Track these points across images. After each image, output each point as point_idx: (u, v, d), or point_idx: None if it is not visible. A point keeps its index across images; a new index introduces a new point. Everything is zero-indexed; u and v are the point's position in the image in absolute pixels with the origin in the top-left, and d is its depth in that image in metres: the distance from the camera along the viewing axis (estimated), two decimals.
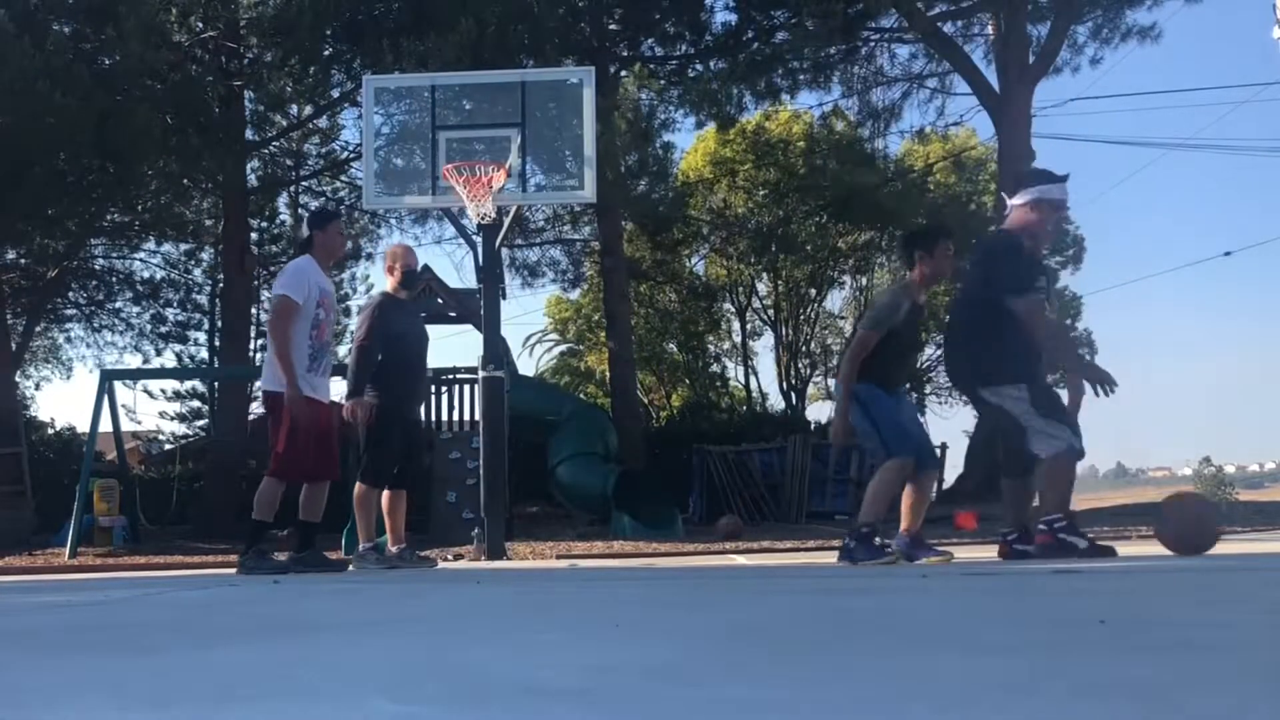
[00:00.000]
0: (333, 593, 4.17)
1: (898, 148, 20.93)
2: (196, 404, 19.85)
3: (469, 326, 13.80)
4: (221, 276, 16.72)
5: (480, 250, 8.62)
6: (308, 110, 15.88)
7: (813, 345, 22.11)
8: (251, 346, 18.05)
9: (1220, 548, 5.67)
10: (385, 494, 6.13)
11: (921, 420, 5.85)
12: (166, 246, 18.68)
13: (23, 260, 16.25)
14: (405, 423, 6.07)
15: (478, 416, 9.55)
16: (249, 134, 15.26)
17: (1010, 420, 4.97)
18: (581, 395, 21.27)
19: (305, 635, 2.55)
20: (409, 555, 6.25)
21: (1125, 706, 1.38)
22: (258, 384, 18.99)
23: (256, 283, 17.96)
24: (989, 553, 6.23)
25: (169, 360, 19.35)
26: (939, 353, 21.45)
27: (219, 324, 17.80)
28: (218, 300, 18.16)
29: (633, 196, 14.85)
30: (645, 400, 22.24)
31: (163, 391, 19.88)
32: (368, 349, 5.84)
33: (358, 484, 6.10)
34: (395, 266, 6.10)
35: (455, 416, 12.67)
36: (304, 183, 18.99)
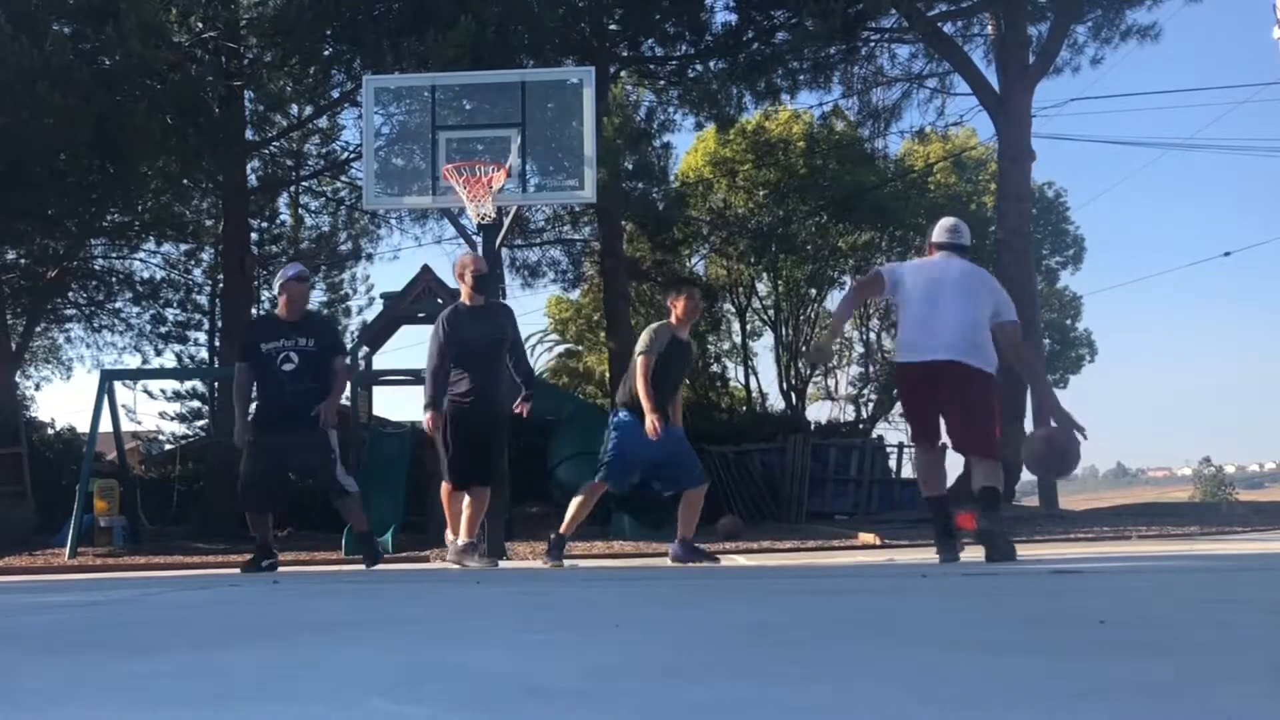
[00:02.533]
0: (333, 593, 4.17)
1: (898, 148, 20.93)
2: (196, 404, 19.81)
3: None
4: (221, 276, 16.71)
5: (480, 250, 8.60)
6: (308, 110, 15.86)
7: (813, 345, 22.11)
8: None
9: (1220, 547, 5.67)
10: (469, 489, 6.14)
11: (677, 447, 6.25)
12: (166, 246, 18.65)
13: (23, 260, 16.23)
14: (480, 422, 6.06)
15: None
16: (249, 134, 15.24)
17: None
18: (581, 395, 21.26)
19: (305, 635, 2.55)
20: (467, 550, 6.18)
21: (1126, 706, 1.38)
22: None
23: (256, 283, 17.94)
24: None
25: (169, 360, 19.34)
26: None
27: (219, 324, 17.78)
28: (218, 300, 18.14)
29: (632, 198, 14.84)
30: None
31: (163, 391, 19.86)
32: (436, 369, 6.02)
33: (443, 483, 6.19)
34: (465, 274, 6.19)
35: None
36: (304, 183, 18.95)
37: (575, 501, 6.25)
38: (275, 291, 6.49)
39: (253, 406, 6.48)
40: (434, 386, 6.01)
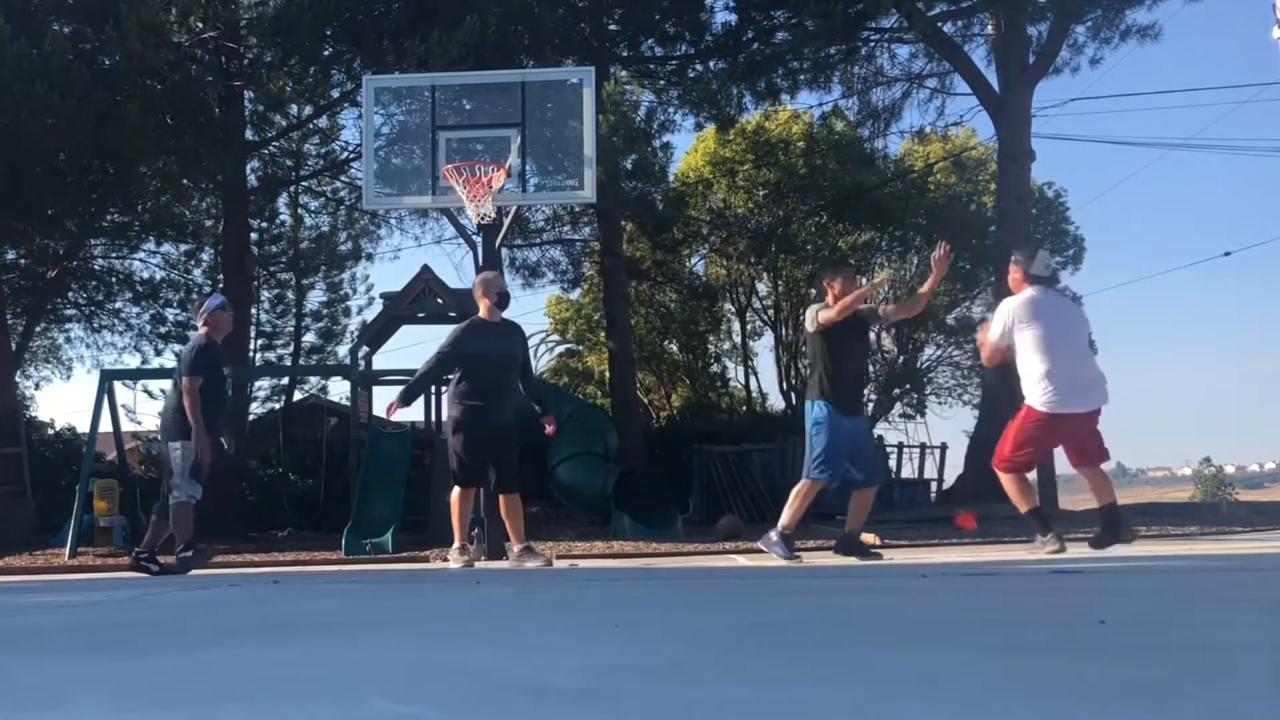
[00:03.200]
0: (333, 593, 4.17)
1: (898, 148, 20.90)
2: None
3: None
4: (221, 276, 16.69)
5: (480, 250, 8.60)
6: (308, 110, 15.84)
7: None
8: (251, 347, 18.03)
9: (1220, 547, 5.68)
10: (500, 499, 6.49)
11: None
12: (166, 247, 18.61)
13: (23, 260, 16.22)
14: (492, 427, 6.32)
15: None
16: (249, 134, 15.22)
17: None
18: (581, 395, 21.25)
19: (305, 635, 2.55)
20: (524, 554, 6.39)
21: (1125, 706, 1.38)
22: (259, 383, 19.08)
23: (256, 283, 17.93)
24: (989, 553, 6.23)
25: (169, 360, 19.27)
26: (939, 353, 21.44)
27: None
28: None
29: (631, 198, 14.82)
30: (645, 400, 22.21)
31: (162, 391, 19.82)
32: (427, 371, 6.56)
33: (454, 490, 6.47)
34: (490, 291, 6.55)
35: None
36: (304, 183, 18.93)
37: (795, 498, 6.11)
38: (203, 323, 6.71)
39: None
40: (415, 384, 6.74)
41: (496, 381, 6.39)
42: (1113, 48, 15.42)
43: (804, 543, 10.21)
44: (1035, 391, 5.65)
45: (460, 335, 6.41)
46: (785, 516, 6.10)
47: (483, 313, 6.51)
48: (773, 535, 6.12)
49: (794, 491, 6.14)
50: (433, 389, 12.75)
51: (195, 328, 6.81)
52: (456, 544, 6.45)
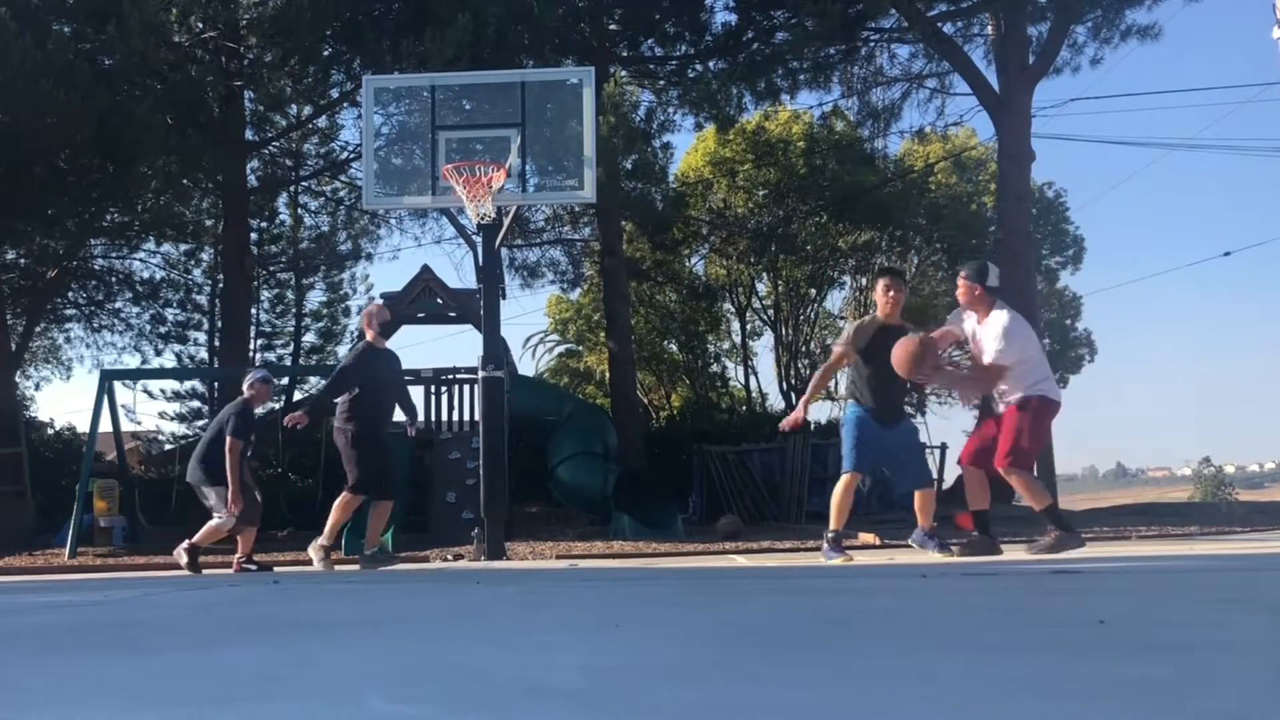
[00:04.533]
0: (333, 593, 4.17)
1: (898, 148, 20.90)
2: (196, 404, 19.80)
3: (469, 326, 13.78)
4: (221, 276, 16.70)
5: (480, 250, 8.60)
6: (308, 110, 15.85)
7: (813, 345, 22.09)
8: (251, 346, 18.02)
9: (1220, 548, 5.67)
10: (379, 503, 7.14)
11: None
12: (166, 246, 18.62)
13: (23, 260, 16.22)
14: (381, 445, 7.09)
15: (478, 417, 9.54)
16: (249, 134, 15.23)
17: None
18: (581, 395, 21.25)
19: (305, 635, 2.55)
20: (377, 556, 7.30)
21: (1126, 706, 1.38)
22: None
23: (256, 283, 17.93)
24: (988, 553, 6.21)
25: (169, 360, 19.32)
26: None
27: (219, 324, 17.77)
28: (217, 300, 18.13)
29: (631, 198, 14.81)
30: (645, 400, 22.23)
31: (162, 392, 19.83)
32: (335, 389, 7.12)
33: (344, 493, 7.02)
34: (373, 321, 7.16)
35: (455, 416, 12.65)
36: (304, 183, 18.94)
37: (837, 495, 6.19)
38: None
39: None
40: (322, 398, 7.36)
41: (389, 401, 7.27)
42: (1113, 48, 15.43)
43: (803, 542, 10.23)
44: (1040, 386, 5.77)
45: (363, 360, 7.08)
46: (831, 518, 6.18)
47: (373, 340, 7.14)
48: (824, 541, 6.27)
49: (834, 491, 6.26)
50: (440, 389, 12.82)
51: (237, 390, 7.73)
52: (324, 540, 7.01)
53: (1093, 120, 23.31)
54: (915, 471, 6.38)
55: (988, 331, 5.88)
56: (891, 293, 6.22)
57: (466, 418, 12.37)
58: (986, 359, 5.84)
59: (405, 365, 7.93)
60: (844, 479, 6.11)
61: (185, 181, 13.97)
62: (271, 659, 2.05)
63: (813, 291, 21.79)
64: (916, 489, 6.26)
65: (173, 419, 19.75)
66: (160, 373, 19.39)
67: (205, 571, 7.34)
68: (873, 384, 6.12)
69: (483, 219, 8.15)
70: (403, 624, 2.82)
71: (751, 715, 1.38)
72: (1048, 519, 6.01)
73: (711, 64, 15.57)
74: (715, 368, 23.86)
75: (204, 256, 19.27)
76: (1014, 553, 6.13)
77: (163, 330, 19.43)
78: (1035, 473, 6.16)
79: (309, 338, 20.71)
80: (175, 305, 19.47)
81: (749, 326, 22.46)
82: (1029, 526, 11.09)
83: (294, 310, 20.43)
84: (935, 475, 17.44)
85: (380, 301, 7.90)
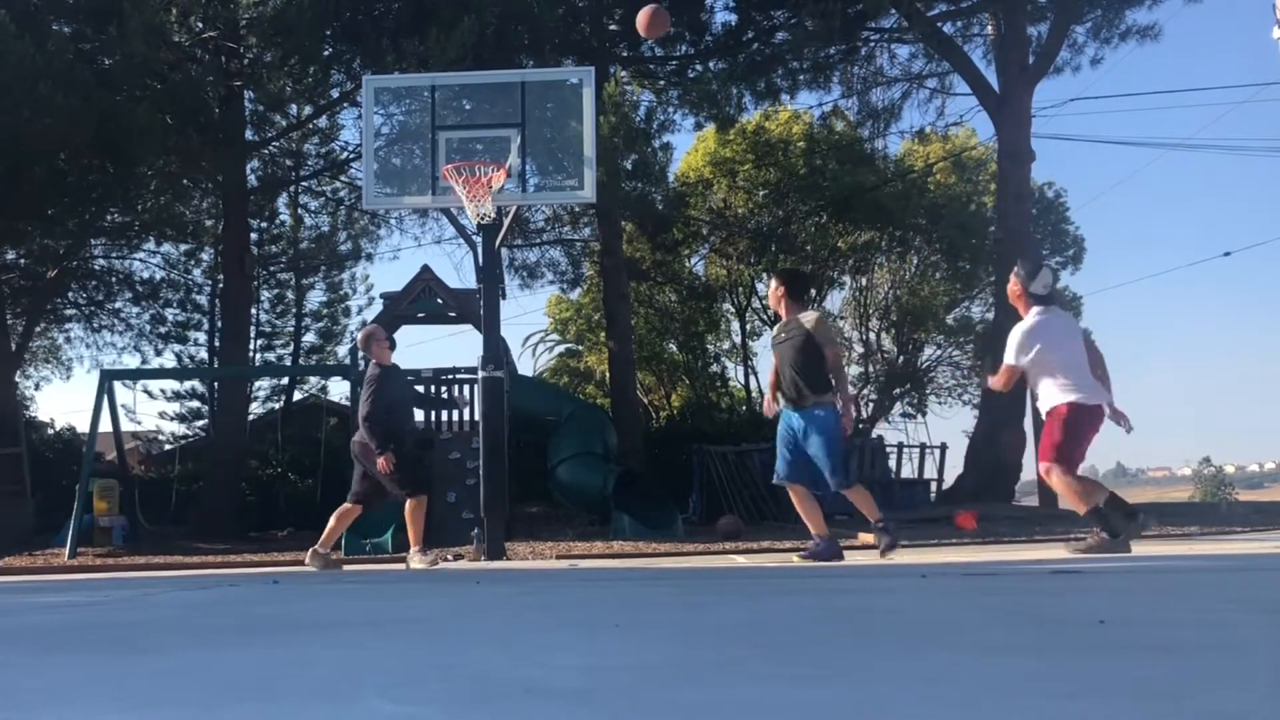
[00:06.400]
0: (333, 593, 4.17)
1: (898, 148, 20.89)
2: (196, 404, 19.81)
3: (469, 326, 13.78)
4: (221, 276, 16.68)
5: (480, 250, 8.60)
6: (307, 110, 15.83)
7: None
8: (251, 347, 18.02)
9: (1220, 548, 5.67)
10: (348, 506, 7.22)
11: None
12: (166, 247, 18.60)
13: (23, 260, 16.21)
14: (403, 447, 7.26)
15: (478, 417, 9.54)
16: (249, 134, 15.21)
17: None
18: (581, 395, 21.25)
19: (305, 635, 2.55)
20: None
21: (1125, 706, 1.38)
22: (259, 383, 19.07)
23: (256, 283, 17.93)
24: (989, 553, 6.23)
25: (169, 360, 19.32)
26: (938, 353, 21.42)
27: (219, 324, 17.77)
28: (217, 300, 18.12)
29: (631, 198, 14.81)
30: (645, 400, 22.22)
31: (162, 391, 19.83)
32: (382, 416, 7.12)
33: (345, 504, 7.20)
34: (380, 343, 7.31)
35: (455, 417, 12.65)
36: (304, 183, 18.92)
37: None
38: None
39: None
40: (375, 430, 7.08)
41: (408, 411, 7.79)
42: (1113, 48, 15.44)
43: (803, 542, 10.22)
44: (1067, 393, 5.76)
45: (384, 383, 7.21)
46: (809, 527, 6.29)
47: (384, 360, 7.31)
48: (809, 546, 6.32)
49: None
50: (440, 389, 12.84)
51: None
52: (320, 548, 7.11)
53: (1093, 120, 23.31)
54: (830, 472, 6.09)
55: (1010, 333, 5.93)
56: (774, 289, 6.54)
57: (466, 418, 12.37)
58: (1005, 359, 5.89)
59: (404, 366, 8.01)
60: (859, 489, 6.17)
61: (185, 182, 13.97)
62: (271, 659, 2.05)
63: (812, 291, 21.78)
64: (830, 489, 6.16)
65: (173, 419, 19.75)
66: (160, 373, 19.39)
67: (204, 572, 7.34)
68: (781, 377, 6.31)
69: (483, 219, 8.15)
70: (403, 624, 2.82)
71: (751, 715, 1.38)
72: (1093, 521, 5.89)
73: (711, 64, 15.58)
74: (715, 368, 23.85)
75: (204, 256, 19.26)
76: (1017, 553, 6.14)
77: (163, 330, 19.43)
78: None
79: (309, 338, 20.73)
80: (175, 305, 19.47)
81: (749, 326, 22.45)
82: (1029, 526, 11.10)
83: (294, 310, 20.43)
84: (936, 475, 17.47)
85: (374, 324, 8.10)
